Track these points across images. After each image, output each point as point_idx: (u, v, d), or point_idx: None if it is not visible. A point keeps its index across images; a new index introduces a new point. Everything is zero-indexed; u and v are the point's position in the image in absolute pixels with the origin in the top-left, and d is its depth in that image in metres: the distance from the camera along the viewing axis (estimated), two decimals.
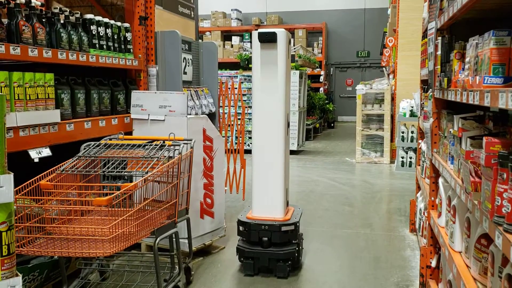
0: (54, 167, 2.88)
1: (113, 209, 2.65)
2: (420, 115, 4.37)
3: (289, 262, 3.51)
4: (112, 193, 2.44)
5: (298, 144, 10.08)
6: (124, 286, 3.14)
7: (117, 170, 2.93)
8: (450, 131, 2.54)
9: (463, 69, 2.33)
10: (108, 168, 3.04)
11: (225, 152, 6.11)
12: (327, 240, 4.67)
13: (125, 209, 2.65)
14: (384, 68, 12.69)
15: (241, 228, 3.61)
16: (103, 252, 2.33)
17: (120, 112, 4.12)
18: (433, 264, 3.30)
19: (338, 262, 4.07)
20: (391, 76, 10.33)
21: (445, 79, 2.53)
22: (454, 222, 2.42)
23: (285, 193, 3.64)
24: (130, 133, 4.08)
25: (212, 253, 4.20)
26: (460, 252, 2.39)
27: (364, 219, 5.42)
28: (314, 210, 5.77)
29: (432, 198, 3.23)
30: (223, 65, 13.43)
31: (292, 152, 9.95)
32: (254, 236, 3.53)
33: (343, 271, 3.86)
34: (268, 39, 3.55)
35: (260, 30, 3.62)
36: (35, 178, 2.71)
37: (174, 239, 3.21)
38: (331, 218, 5.44)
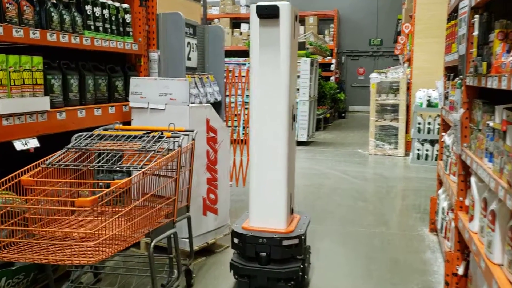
0: (39, 161, 2.58)
1: (102, 209, 2.35)
2: (444, 105, 4.02)
3: (292, 282, 3.01)
4: (100, 192, 2.13)
5: (308, 135, 9.73)
6: None
7: (109, 164, 2.62)
8: (489, 124, 2.20)
9: (508, 51, 1.98)
10: (100, 161, 2.75)
11: (232, 143, 5.81)
12: (339, 239, 4.35)
13: (116, 208, 2.35)
14: (398, 57, 12.26)
15: (235, 240, 3.12)
16: (86, 259, 2.03)
17: (118, 100, 3.81)
18: (460, 271, 2.98)
19: (350, 264, 3.76)
20: (405, 65, 9.92)
21: (484, 63, 2.18)
22: (493, 230, 2.09)
23: (289, 200, 3.16)
24: (129, 123, 3.78)
25: (215, 252, 3.90)
26: (500, 265, 2.06)
27: (379, 216, 5.09)
28: (324, 205, 5.45)
29: (461, 199, 2.90)
30: (231, 53, 13.07)
31: (302, 143, 9.62)
32: (250, 251, 2.99)
33: (356, 276, 3.54)
34: (268, 13, 2.91)
35: (260, 3, 2.97)
36: (16, 173, 2.42)
37: (173, 240, 2.90)
38: (343, 214, 5.12)
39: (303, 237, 3.04)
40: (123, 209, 2.30)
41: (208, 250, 3.89)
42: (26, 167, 2.51)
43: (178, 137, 2.93)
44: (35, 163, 2.54)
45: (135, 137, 2.93)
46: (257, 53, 3.05)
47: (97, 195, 2.07)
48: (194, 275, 3.34)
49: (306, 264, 3.17)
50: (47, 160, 2.62)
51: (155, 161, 2.60)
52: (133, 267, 3.21)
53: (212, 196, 3.82)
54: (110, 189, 2.19)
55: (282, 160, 3.07)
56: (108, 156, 2.74)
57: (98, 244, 2.09)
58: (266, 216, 3.10)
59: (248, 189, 3.22)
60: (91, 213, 2.63)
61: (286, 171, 3.07)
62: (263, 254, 2.99)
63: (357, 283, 3.39)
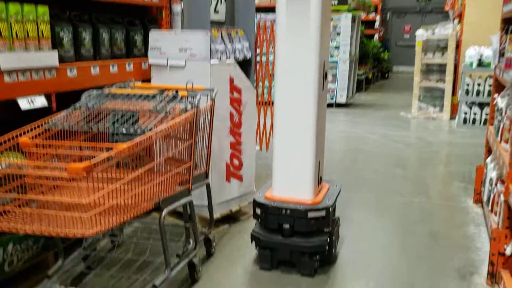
0: (41, 120, 2.38)
1: (110, 175, 2.13)
2: (499, 62, 3.55)
3: (317, 257, 2.78)
4: (96, 157, 1.90)
5: (347, 96, 9.28)
6: (129, 260, 2.69)
7: (116, 126, 2.39)
8: None
9: None
10: (114, 122, 2.53)
11: (259, 105, 5.51)
12: (374, 209, 4.03)
13: (120, 175, 2.12)
14: (448, 13, 11.42)
15: (257, 210, 2.87)
16: (82, 232, 1.83)
17: (137, 56, 3.56)
18: (508, 251, 2.64)
19: (385, 238, 3.45)
20: (455, 21, 9.18)
21: None
22: None
23: (317, 168, 2.85)
24: (149, 81, 3.53)
25: (240, 220, 3.69)
26: None
27: (419, 184, 4.72)
28: (361, 172, 5.11)
29: None
30: (267, 10, 12.54)
31: (341, 105, 9.19)
32: (272, 222, 2.78)
33: (391, 251, 3.24)
34: None
35: None
36: (14, 133, 2.22)
37: (189, 209, 2.68)
38: (381, 182, 4.78)
39: (331, 209, 2.76)
40: (122, 178, 2.07)
41: (232, 218, 3.67)
42: (26, 127, 2.31)
43: (195, 96, 2.66)
44: (36, 123, 2.34)
45: (149, 96, 2.68)
46: (284, 0, 2.70)
47: (92, 161, 1.84)
48: (214, 244, 3.14)
49: (334, 238, 2.90)
50: (51, 119, 2.42)
51: (167, 122, 2.34)
52: (149, 236, 3.03)
53: (236, 161, 3.57)
54: (108, 154, 1.96)
55: (310, 123, 2.76)
56: (124, 117, 2.52)
57: (95, 215, 1.88)
58: (291, 186, 2.82)
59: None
60: (98, 180, 2.43)
61: (314, 136, 2.76)
62: (286, 226, 2.74)
63: (390, 260, 3.10)
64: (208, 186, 2.98)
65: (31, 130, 2.29)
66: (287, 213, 2.71)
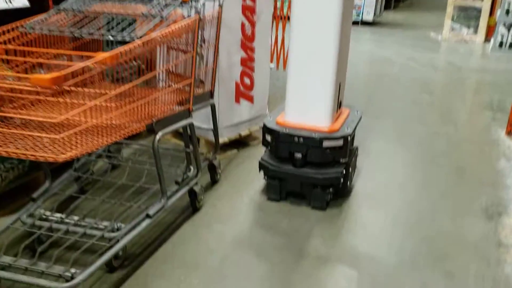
0: (15, 22, 2.04)
1: (93, 90, 1.83)
2: None
3: (330, 189, 2.53)
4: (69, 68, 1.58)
5: (374, 14, 8.62)
6: (124, 186, 2.46)
7: (105, 32, 2.04)
8: None
9: None
10: (107, 28, 2.18)
11: (277, 18, 5.03)
12: (396, 138, 3.71)
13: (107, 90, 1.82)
14: None
15: (267, 137, 2.58)
16: (54, 156, 1.56)
17: None
18: None
19: (406, 171, 3.16)
20: None
21: None
22: None
23: (337, 91, 2.50)
24: None
25: (249, 145, 3.41)
26: None
27: (446, 112, 4.34)
28: (384, 97, 4.73)
29: None
30: None
31: (367, 24, 8.58)
32: (283, 151, 2.50)
33: (411, 185, 2.96)
34: None
35: None
36: None
37: (189, 132, 2.40)
38: (405, 109, 4.41)
39: (349, 138, 2.44)
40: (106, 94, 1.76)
41: (241, 143, 3.40)
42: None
43: (198, 1, 2.27)
44: (9, 25, 2.00)
45: None
46: None
47: (63, 72, 1.52)
48: (219, 170, 2.89)
49: (350, 169, 2.61)
50: (28, 22, 2.07)
51: (159, 30, 1.99)
52: (150, 160, 2.78)
53: (247, 80, 3.22)
54: (84, 63, 1.63)
55: (332, 40, 2.37)
56: (121, 24, 2.16)
57: (70, 136, 1.60)
58: (306, 110, 2.49)
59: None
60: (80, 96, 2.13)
61: (335, 54, 2.38)
62: (298, 155, 2.45)
63: (410, 195, 2.83)
64: (213, 107, 2.68)
65: (3, 34, 1.96)
66: (299, 142, 2.41)
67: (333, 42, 2.35)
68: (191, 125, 2.35)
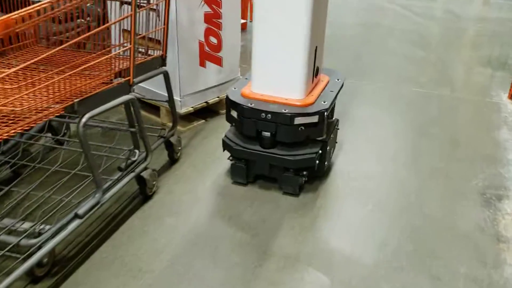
0: None
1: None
2: None
3: (304, 173, 2.17)
4: None
5: None
6: (56, 173, 2.08)
7: None
8: None
9: None
10: None
11: None
12: (385, 103, 3.33)
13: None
14: None
15: (231, 112, 2.19)
16: None
17: None
18: None
19: (393, 145, 2.80)
20: None
21: None
22: None
23: (312, 57, 2.08)
24: None
25: (220, 113, 3.02)
26: None
27: (442, 71, 3.93)
28: (374, 53, 4.29)
29: None
30: None
31: None
32: (249, 129, 2.12)
33: (398, 160, 2.61)
34: None
35: None
36: None
37: (132, 110, 2.01)
38: (396, 67, 3.99)
39: (326, 113, 2.06)
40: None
41: (210, 111, 3.01)
42: None
43: None
44: None
45: None
46: None
47: None
48: (179, 148, 2.52)
49: (328, 148, 2.24)
50: None
51: None
52: (105, 139, 2.40)
53: (213, 39, 2.79)
54: None
55: None
56: None
57: None
58: (275, 81, 2.09)
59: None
60: None
61: (309, 12, 1.95)
62: (267, 134, 2.07)
63: (396, 175, 2.48)
64: (166, 76, 2.27)
65: None
66: (267, 118, 2.02)
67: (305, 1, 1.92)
68: (133, 102, 1.96)
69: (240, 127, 2.16)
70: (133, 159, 2.04)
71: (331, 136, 2.28)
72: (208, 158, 2.55)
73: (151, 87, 2.85)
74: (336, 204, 2.20)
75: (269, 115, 2.02)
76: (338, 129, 2.47)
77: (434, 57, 4.26)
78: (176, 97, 2.76)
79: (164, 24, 2.19)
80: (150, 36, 2.20)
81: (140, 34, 2.15)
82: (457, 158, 2.63)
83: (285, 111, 2.03)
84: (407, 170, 2.50)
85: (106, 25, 1.92)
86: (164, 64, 2.22)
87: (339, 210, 2.16)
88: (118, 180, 1.99)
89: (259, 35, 2.05)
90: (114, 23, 2.02)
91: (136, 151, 2.07)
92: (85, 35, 1.80)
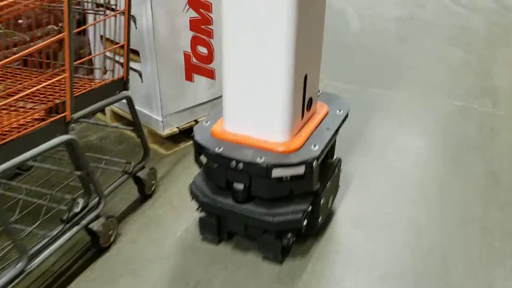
0: None
1: None
2: None
3: (288, 236, 1.67)
4: None
5: None
6: None
7: None
8: None
9: None
10: None
11: None
12: (410, 121, 2.80)
13: None
14: None
15: (199, 155, 1.70)
16: None
17: None
18: None
19: (416, 181, 2.29)
20: None
21: None
22: None
23: (299, 89, 1.58)
24: None
25: None
26: None
27: (484, 77, 3.35)
28: (404, 54, 3.73)
29: None
30: None
31: None
32: (218, 178, 1.66)
33: (420, 209, 2.11)
34: None
35: None
36: None
37: (75, 151, 1.60)
38: (429, 71, 3.43)
39: (315, 162, 1.57)
40: None
41: None
42: None
43: None
44: None
45: None
46: None
47: None
48: (153, 181, 2.12)
49: (323, 200, 1.76)
50: None
51: None
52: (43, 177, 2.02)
53: (202, 49, 2.35)
54: None
55: (284, 12, 1.44)
56: None
57: None
58: (252, 118, 1.62)
59: None
60: None
61: (293, 26, 1.45)
62: (239, 186, 1.62)
63: (416, 222, 1.98)
64: (129, 102, 1.86)
65: None
66: (239, 168, 1.57)
67: (287, 15, 1.43)
68: (72, 142, 1.55)
69: (208, 175, 1.71)
70: (76, 210, 1.65)
71: (328, 183, 1.80)
72: (186, 197, 2.13)
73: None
74: (334, 270, 1.75)
75: (240, 164, 1.56)
76: (341, 171, 1.97)
77: (476, 59, 3.66)
78: (157, 117, 2.36)
79: (125, 37, 1.77)
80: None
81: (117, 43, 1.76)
82: (499, 203, 2.11)
83: (260, 161, 1.54)
84: (431, 219, 2.01)
85: (51, 39, 1.52)
86: (125, 88, 1.81)
87: (337, 279, 1.71)
88: (57, 236, 1.60)
89: (229, 61, 1.57)
90: (57, 38, 1.59)
91: (80, 200, 1.67)
92: (26, 51, 1.41)
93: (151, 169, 2.09)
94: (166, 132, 2.39)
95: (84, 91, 1.67)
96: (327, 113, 1.80)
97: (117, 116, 2.62)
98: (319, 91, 1.85)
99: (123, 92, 1.80)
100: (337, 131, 1.73)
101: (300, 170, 1.54)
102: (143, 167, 2.04)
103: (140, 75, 2.32)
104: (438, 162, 2.39)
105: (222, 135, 1.65)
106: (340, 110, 1.82)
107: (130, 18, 1.73)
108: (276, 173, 1.52)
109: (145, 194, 2.08)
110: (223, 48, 1.57)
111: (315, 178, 1.59)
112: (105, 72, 1.78)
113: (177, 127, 2.43)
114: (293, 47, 1.46)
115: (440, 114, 2.85)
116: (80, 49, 2.52)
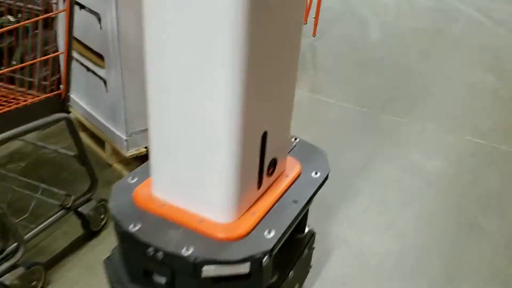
0: None
1: None
2: None
3: None
4: None
5: None
6: None
7: None
8: None
9: None
10: None
11: None
12: (421, 162, 2.40)
13: None
14: None
15: (117, 234, 1.20)
16: None
17: None
18: None
19: (420, 250, 1.90)
20: None
21: None
22: None
23: (253, 151, 1.11)
24: None
25: None
26: None
27: None
28: (426, 76, 3.31)
29: None
30: None
31: None
32: (134, 265, 1.21)
33: None
34: None
35: None
36: None
37: None
38: (451, 100, 3.01)
39: (266, 258, 1.08)
40: None
41: None
42: None
43: None
44: None
45: None
46: None
47: None
48: (102, 216, 1.77)
49: None
50: None
51: None
52: None
53: None
54: None
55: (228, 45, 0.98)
56: None
57: None
58: (186, 186, 1.15)
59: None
60: None
61: (241, 52, 1.01)
62: (161, 280, 1.19)
63: None
64: (69, 125, 1.49)
65: None
66: (157, 257, 1.11)
67: (230, 35, 0.98)
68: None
69: (124, 260, 1.28)
70: None
71: (291, 273, 1.37)
72: None
73: (96, 113, 2.12)
74: None
75: (160, 253, 1.09)
76: (313, 248, 1.55)
77: (509, 90, 3.22)
78: (121, 135, 2.00)
79: (65, 43, 1.41)
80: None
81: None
82: None
83: (186, 253, 1.06)
84: None
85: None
86: (64, 108, 1.44)
87: None
88: None
89: (155, 102, 1.11)
90: None
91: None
92: None
93: (100, 202, 1.73)
94: (130, 152, 2.03)
95: (7, 109, 1.32)
96: (298, 176, 1.32)
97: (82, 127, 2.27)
98: (295, 139, 1.44)
99: (58, 114, 1.43)
100: (308, 203, 1.30)
101: (244, 268, 1.09)
102: (88, 200, 1.68)
103: (105, 83, 1.97)
104: (448, 222, 1.99)
105: (146, 203, 1.19)
106: (316, 173, 1.34)
107: (72, 18, 1.37)
108: (208, 272, 1.09)
109: (90, 231, 1.73)
110: (146, 83, 1.10)
111: (265, 278, 1.17)
112: (40, 86, 1.42)
113: (145, 147, 2.07)
114: (241, 89, 0.97)
115: (458, 155, 2.44)
116: (45, 46, 2.17)
